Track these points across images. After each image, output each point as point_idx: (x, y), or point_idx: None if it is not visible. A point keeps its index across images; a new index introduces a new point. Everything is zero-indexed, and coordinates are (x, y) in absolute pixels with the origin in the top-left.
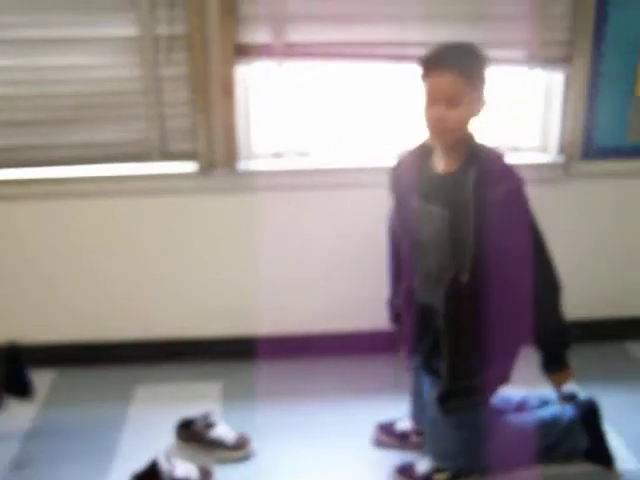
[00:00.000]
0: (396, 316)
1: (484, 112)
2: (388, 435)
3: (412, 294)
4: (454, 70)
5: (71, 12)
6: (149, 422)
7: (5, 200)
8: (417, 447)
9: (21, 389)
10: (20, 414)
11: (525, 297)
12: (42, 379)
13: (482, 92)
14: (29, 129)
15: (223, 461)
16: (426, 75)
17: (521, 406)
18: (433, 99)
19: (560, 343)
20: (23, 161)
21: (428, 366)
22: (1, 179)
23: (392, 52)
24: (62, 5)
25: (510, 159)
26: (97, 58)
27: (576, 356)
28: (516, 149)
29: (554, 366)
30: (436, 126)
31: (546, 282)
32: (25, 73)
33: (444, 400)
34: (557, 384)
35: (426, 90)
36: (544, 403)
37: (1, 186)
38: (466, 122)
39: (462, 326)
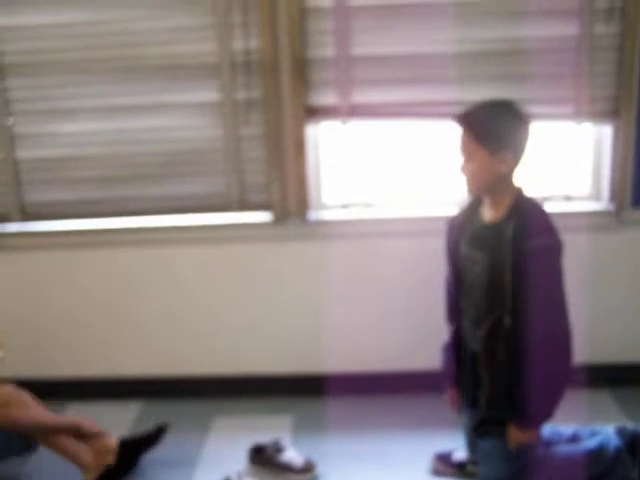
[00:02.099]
0: (449, 359)
1: (521, 167)
2: (445, 464)
3: (459, 336)
4: (465, 128)
5: (159, 81)
6: (224, 449)
7: (99, 247)
8: (472, 476)
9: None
10: None
11: (561, 342)
12: (130, 409)
13: (505, 149)
14: (121, 184)
15: None
16: None
17: (572, 440)
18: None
19: (544, 405)
20: (116, 212)
21: (471, 399)
22: (96, 228)
23: (447, 111)
24: (151, 76)
25: (555, 212)
26: (183, 121)
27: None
28: (568, 198)
29: (525, 422)
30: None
31: (559, 346)
32: (118, 135)
33: (480, 427)
34: (515, 439)
35: None
36: (594, 435)
37: (95, 234)
38: (480, 176)
39: (500, 364)
